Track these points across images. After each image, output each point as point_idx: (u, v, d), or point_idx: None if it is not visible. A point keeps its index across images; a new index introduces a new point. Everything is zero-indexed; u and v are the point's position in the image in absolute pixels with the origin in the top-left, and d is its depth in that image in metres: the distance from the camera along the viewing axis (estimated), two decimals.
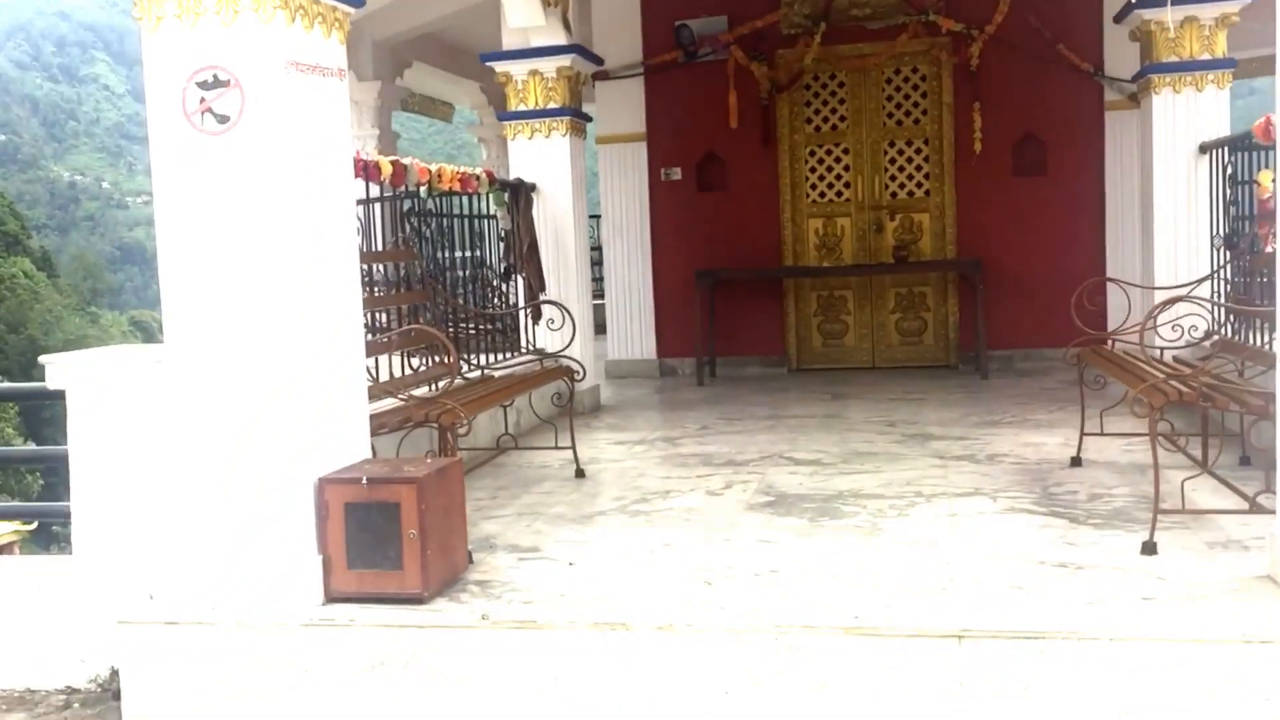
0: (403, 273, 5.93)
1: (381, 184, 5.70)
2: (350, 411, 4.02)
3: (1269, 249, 5.49)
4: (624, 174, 9.95)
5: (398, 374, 5.35)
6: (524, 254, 7.51)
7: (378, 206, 5.98)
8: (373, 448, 4.23)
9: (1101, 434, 5.56)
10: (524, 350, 7.06)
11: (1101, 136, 9.13)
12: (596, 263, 11.05)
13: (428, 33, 10.94)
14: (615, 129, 9.92)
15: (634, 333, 10.05)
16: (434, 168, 6.23)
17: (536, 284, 7.62)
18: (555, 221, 7.90)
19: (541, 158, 7.89)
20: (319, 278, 3.85)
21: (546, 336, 7.10)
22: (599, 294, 10.68)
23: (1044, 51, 9.11)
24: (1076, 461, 5.46)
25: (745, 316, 9.90)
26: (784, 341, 9.91)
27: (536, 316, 7.50)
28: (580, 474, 5.82)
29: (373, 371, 4.99)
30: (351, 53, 10.43)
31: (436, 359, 5.85)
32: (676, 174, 9.88)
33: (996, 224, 9.38)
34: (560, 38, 7.79)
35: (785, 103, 9.73)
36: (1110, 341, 5.43)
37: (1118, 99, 9.02)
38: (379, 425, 4.36)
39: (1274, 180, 5.72)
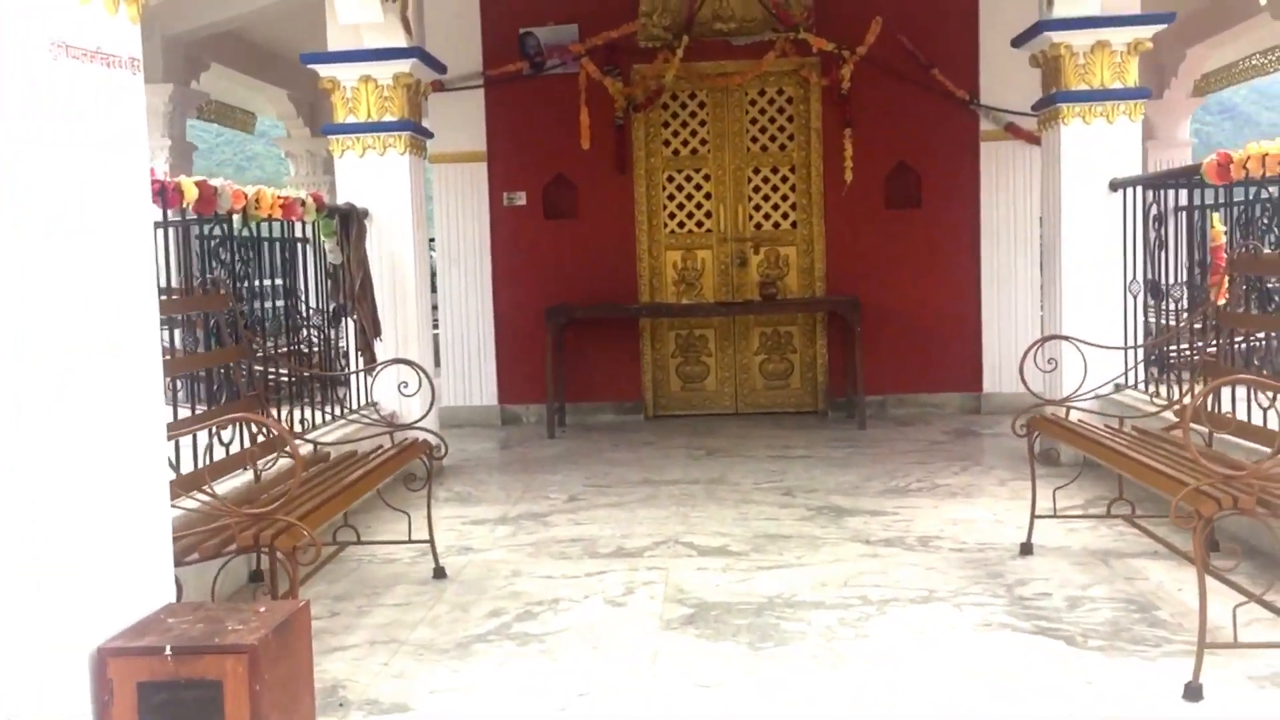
0: (211, 323, 4.68)
1: (183, 210, 4.46)
2: (144, 534, 2.82)
3: (1220, 301, 4.89)
4: (462, 197, 8.83)
5: (209, 456, 4.12)
6: (356, 293, 6.31)
7: (171, 237, 4.72)
8: (178, 582, 3.03)
9: (1055, 515, 4.82)
10: (361, 408, 5.85)
11: (977, 168, 8.60)
12: (432, 289, 9.89)
13: (228, 31, 9.53)
14: (452, 147, 8.79)
15: (473, 376, 8.92)
16: (251, 190, 5.00)
17: (370, 328, 6.43)
18: (392, 254, 6.73)
19: (376, 179, 6.71)
20: (97, 332, 2.65)
21: (387, 388, 5.93)
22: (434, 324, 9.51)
23: (918, 77, 8.52)
24: (1028, 549, 4.70)
25: (597, 358, 8.92)
26: (640, 386, 8.98)
27: (369, 360, 6.33)
28: (440, 573, 4.69)
29: (171, 460, 3.77)
30: None
31: (256, 431, 4.63)
32: (521, 199, 8.83)
33: (867, 259, 8.72)
34: (399, 39, 6.64)
35: (642, 123, 8.82)
36: (1066, 409, 4.71)
37: (993, 129, 8.51)
38: (186, 550, 3.15)
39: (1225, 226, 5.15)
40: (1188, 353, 6.88)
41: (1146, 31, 6.32)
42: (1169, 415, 4.82)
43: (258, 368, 5.29)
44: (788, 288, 8.90)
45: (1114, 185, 6.39)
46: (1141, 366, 6.12)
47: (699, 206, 8.92)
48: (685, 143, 8.89)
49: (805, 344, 8.97)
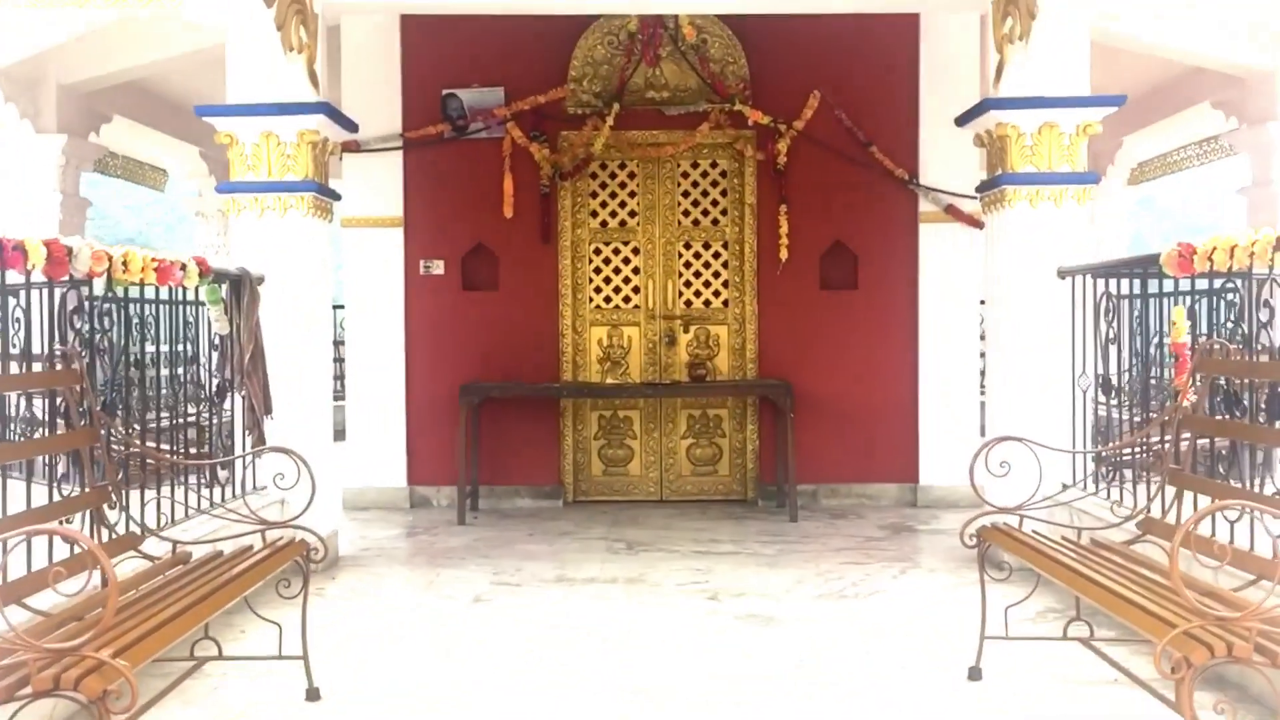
0: (60, 403, 4.08)
1: (28, 272, 3.89)
2: None
3: (1185, 401, 4.52)
4: (374, 264, 8.28)
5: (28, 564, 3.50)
6: (245, 366, 5.73)
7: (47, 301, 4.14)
8: None
9: (1006, 637, 4.35)
10: (248, 493, 5.24)
11: (916, 250, 8.27)
12: (338, 359, 9.29)
13: (133, 81, 8.95)
14: (366, 210, 8.27)
15: (380, 454, 8.30)
16: (118, 252, 4.43)
17: (260, 405, 5.84)
18: (290, 323, 6.16)
19: (275, 242, 6.16)
20: None
21: (273, 472, 5.33)
22: (338, 394, 8.92)
23: (856, 154, 8.21)
24: (976, 673, 4.22)
25: (515, 438, 8.37)
26: (559, 469, 8.44)
27: (257, 440, 5.74)
28: (313, 694, 4.08)
29: None
30: (28, 96, 8.38)
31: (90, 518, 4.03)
32: (438, 268, 8.32)
33: (802, 341, 8.32)
34: (305, 92, 6.14)
35: (569, 192, 8.39)
36: (1019, 519, 4.27)
37: (933, 210, 8.21)
38: None
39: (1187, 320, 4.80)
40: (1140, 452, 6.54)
41: (1096, 114, 6.04)
42: (1130, 525, 4.39)
43: (122, 448, 4.70)
44: (718, 369, 8.46)
45: (1062, 273, 6.06)
46: (1091, 464, 5.75)
47: (627, 281, 8.48)
48: (614, 214, 8.47)
49: (735, 428, 8.52)
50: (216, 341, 5.74)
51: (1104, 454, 5.18)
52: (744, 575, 6.07)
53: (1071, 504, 5.02)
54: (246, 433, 5.85)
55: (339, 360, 9.14)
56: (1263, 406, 4.17)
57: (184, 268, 5.02)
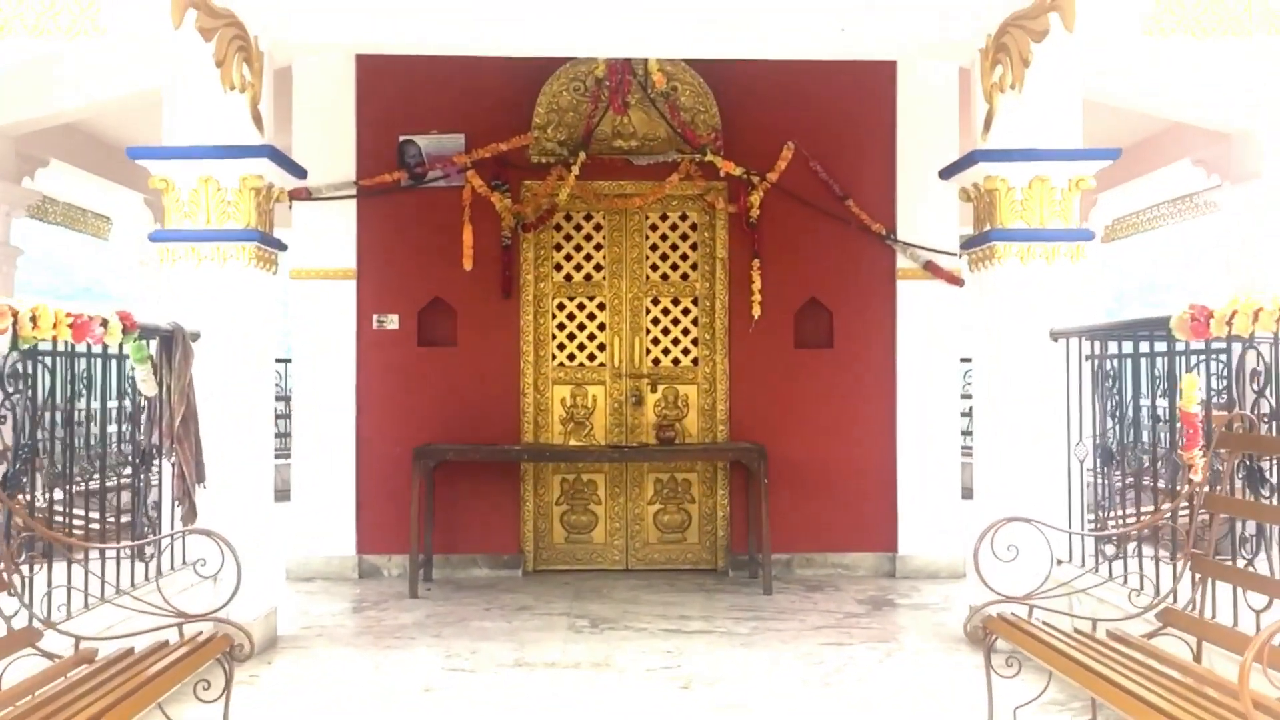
0: None
1: None
2: None
3: (1195, 477, 4.16)
4: (325, 318, 7.81)
5: None
6: (176, 430, 5.23)
7: None
8: None
9: None
10: (155, 581, 4.70)
11: (894, 308, 7.92)
12: (283, 415, 8.78)
13: (72, 123, 8.49)
14: (317, 262, 7.82)
15: (328, 520, 7.78)
16: (27, 308, 3.96)
17: (192, 473, 5.34)
18: (226, 383, 5.67)
19: (212, 295, 5.70)
20: None
21: (201, 553, 4.82)
22: (283, 452, 8.40)
23: (832, 207, 7.88)
24: None
25: (472, 504, 7.89)
26: (519, 536, 7.95)
27: (188, 512, 5.24)
28: None
29: None
30: None
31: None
32: (393, 323, 7.87)
33: (775, 402, 7.92)
34: (248, 134, 5.71)
35: (531, 244, 7.98)
36: (1029, 609, 3.86)
37: (911, 267, 7.87)
38: None
39: (1198, 389, 4.45)
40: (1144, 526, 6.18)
41: (1090, 168, 5.73)
42: (1143, 609, 3.99)
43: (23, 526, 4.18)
44: (687, 430, 8.04)
45: (1055, 335, 5.70)
46: (1091, 541, 5.36)
47: (592, 338, 8.06)
48: (579, 267, 8.07)
49: (705, 493, 8.08)
50: (144, 402, 5.25)
51: (1118, 535, 4.79)
52: (717, 658, 5.60)
53: (1087, 591, 4.62)
54: (176, 503, 5.34)
55: (284, 417, 8.62)
56: None
57: (105, 323, 4.53)
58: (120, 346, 4.91)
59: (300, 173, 6.31)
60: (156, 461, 5.38)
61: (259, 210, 5.82)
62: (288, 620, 6.40)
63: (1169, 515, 4.16)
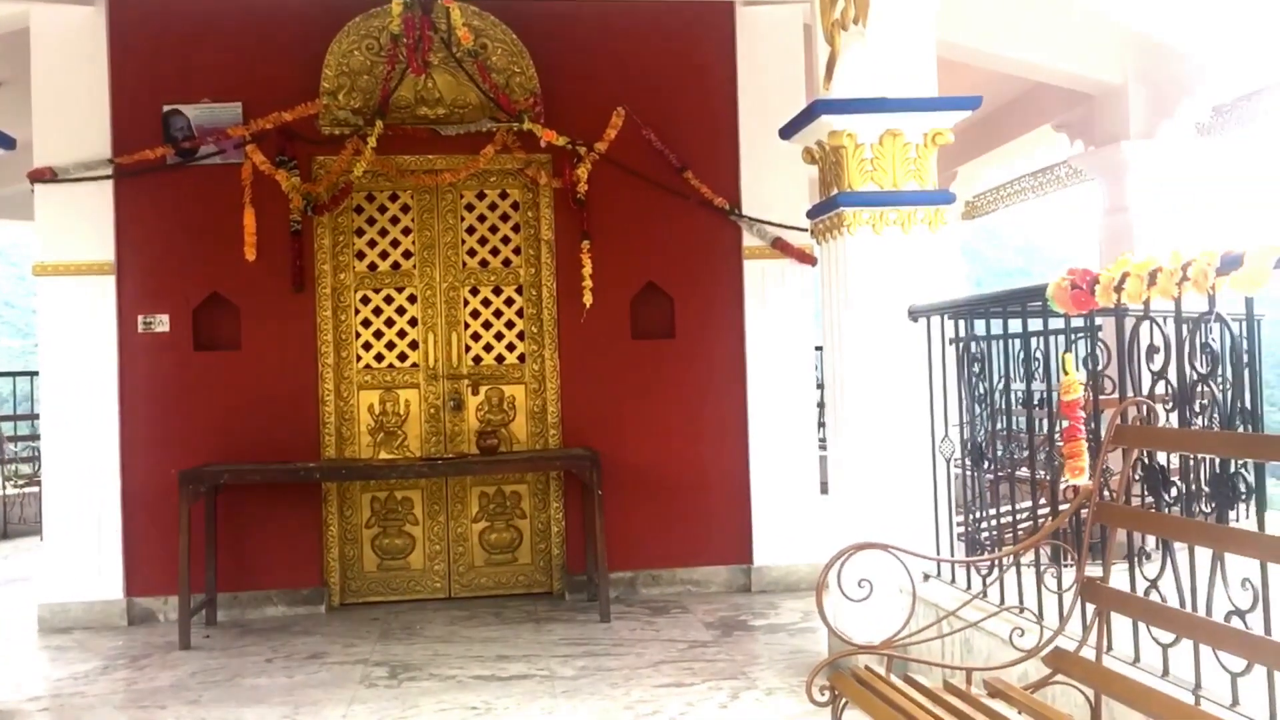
0: None
1: None
2: None
3: (1074, 479, 3.37)
4: (78, 320, 6.61)
5: None
6: None
7: None
8: None
9: None
10: None
11: (741, 291, 7.09)
12: (26, 436, 7.52)
13: None
14: (66, 255, 6.61)
15: (88, 559, 6.59)
16: None
17: None
18: None
19: None
20: None
21: None
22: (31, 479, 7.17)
23: (669, 181, 7.01)
24: None
25: (265, 532, 6.79)
26: (323, 567, 6.88)
27: None
28: None
29: None
30: None
31: None
32: (163, 324, 6.72)
33: (612, 401, 7.02)
34: None
35: (327, 229, 6.92)
36: (887, 660, 3.02)
37: (759, 245, 7.06)
38: None
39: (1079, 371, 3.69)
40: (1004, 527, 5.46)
41: (947, 119, 4.95)
42: (1026, 653, 3.17)
43: None
44: (514, 436, 7.08)
45: (914, 313, 4.92)
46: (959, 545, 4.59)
47: (402, 335, 7.03)
48: (385, 255, 7.03)
49: (537, 507, 7.13)
50: None
51: (998, 561, 3.99)
52: (531, 715, 4.66)
53: (961, 630, 3.80)
54: None
55: (32, 439, 7.37)
56: (1206, 488, 3.03)
57: None
58: None
59: (8, 143, 5.14)
60: None
61: None
62: (12, 687, 5.24)
63: (1053, 534, 3.35)
